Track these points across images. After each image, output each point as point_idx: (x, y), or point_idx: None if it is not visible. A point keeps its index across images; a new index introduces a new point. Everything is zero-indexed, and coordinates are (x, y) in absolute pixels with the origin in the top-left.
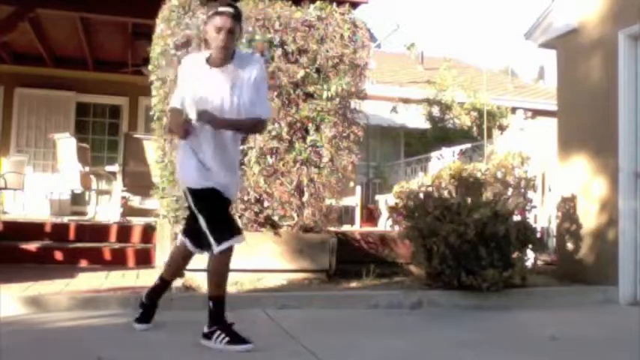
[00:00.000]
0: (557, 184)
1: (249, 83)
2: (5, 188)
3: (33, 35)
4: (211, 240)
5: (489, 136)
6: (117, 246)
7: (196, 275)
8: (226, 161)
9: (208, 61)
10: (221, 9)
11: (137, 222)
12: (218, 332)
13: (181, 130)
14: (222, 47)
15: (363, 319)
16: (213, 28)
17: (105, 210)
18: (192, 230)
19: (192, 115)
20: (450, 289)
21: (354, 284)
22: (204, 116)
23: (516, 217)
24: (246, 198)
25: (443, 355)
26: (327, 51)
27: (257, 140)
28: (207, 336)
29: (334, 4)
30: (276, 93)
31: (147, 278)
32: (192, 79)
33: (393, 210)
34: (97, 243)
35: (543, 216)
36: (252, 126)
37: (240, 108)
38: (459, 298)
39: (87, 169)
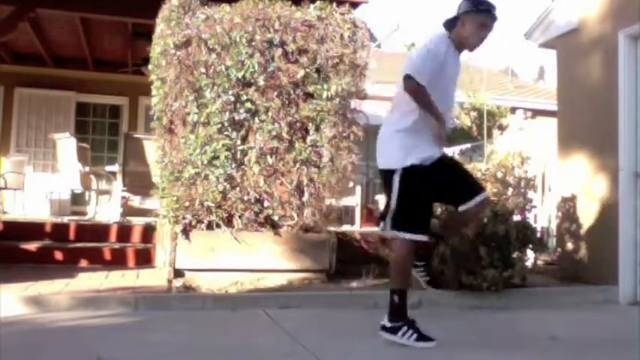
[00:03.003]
0: (557, 184)
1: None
2: (5, 188)
3: (33, 35)
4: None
5: (489, 136)
6: (117, 246)
7: (196, 275)
8: None
9: (454, 45)
10: (492, 9)
11: (137, 222)
12: (405, 328)
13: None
14: (478, 44)
15: (363, 319)
16: (478, 23)
17: (105, 210)
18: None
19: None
20: (450, 289)
21: (354, 284)
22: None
23: (516, 217)
24: (246, 198)
25: (443, 355)
26: (327, 51)
27: (257, 140)
28: (391, 330)
29: (334, 4)
30: (276, 93)
31: (147, 278)
32: (444, 63)
33: None
34: (97, 243)
35: (543, 216)
36: None
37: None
38: (459, 298)
39: (87, 169)
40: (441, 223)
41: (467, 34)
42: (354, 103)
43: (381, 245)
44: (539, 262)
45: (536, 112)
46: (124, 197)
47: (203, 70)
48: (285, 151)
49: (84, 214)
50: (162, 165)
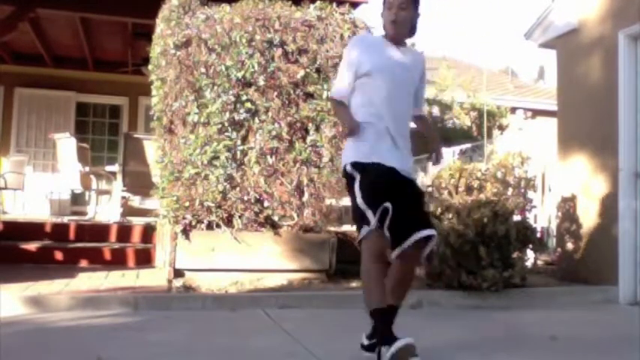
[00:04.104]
0: (557, 184)
1: (419, 75)
2: (5, 188)
3: (33, 35)
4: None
5: (489, 136)
6: (117, 246)
7: (196, 275)
8: None
9: (385, 38)
10: None
11: (137, 222)
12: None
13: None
14: (392, 21)
15: (363, 319)
16: (385, 7)
17: (105, 210)
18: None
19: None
20: (450, 289)
21: (354, 284)
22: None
23: (516, 217)
24: (246, 198)
25: (443, 355)
26: (327, 51)
27: (257, 140)
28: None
29: (334, 4)
30: (276, 93)
31: (147, 278)
32: (365, 56)
33: None
34: (97, 243)
35: (543, 216)
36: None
37: (410, 93)
38: (459, 298)
39: (87, 169)
40: None
41: (383, 22)
42: None
43: None
44: (539, 262)
45: (536, 112)
46: (124, 197)
47: (203, 70)
48: (285, 151)
49: (84, 214)
50: (162, 165)
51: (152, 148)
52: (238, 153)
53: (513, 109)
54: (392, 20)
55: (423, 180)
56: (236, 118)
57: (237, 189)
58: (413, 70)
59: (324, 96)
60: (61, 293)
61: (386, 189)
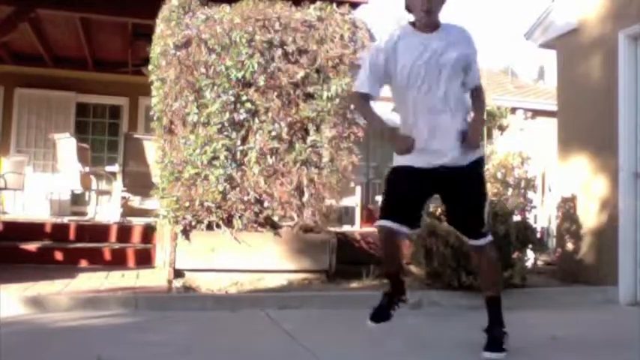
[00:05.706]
0: (557, 184)
1: (460, 60)
2: (5, 188)
3: (33, 35)
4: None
5: (489, 136)
6: (117, 246)
7: (196, 275)
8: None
9: (415, 27)
10: None
11: (137, 222)
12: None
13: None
14: (425, 10)
15: (363, 320)
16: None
17: (105, 210)
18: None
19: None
20: (450, 289)
21: (354, 284)
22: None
23: (516, 217)
24: (246, 198)
25: (442, 355)
26: (327, 51)
27: (257, 140)
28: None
29: (334, 5)
30: (276, 93)
31: (147, 278)
32: (391, 59)
33: None
34: (97, 243)
35: (543, 216)
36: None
37: (444, 77)
38: (459, 298)
39: (87, 169)
40: None
41: (413, 9)
42: None
43: None
44: (539, 263)
45: (536, 112)
46: (124, 197)
47: (203, 70)
48: (285, 152)
49: (84, 214)
50: (162, 165)
51: (152, 149)
52: (238, 153)
53: (513, 110)
54: (425, 9)
55: None
56: (236, 118)
57: (237, 189)
58: (446, 57)
59: (324, 96)
60: (61, 293)
61: None
